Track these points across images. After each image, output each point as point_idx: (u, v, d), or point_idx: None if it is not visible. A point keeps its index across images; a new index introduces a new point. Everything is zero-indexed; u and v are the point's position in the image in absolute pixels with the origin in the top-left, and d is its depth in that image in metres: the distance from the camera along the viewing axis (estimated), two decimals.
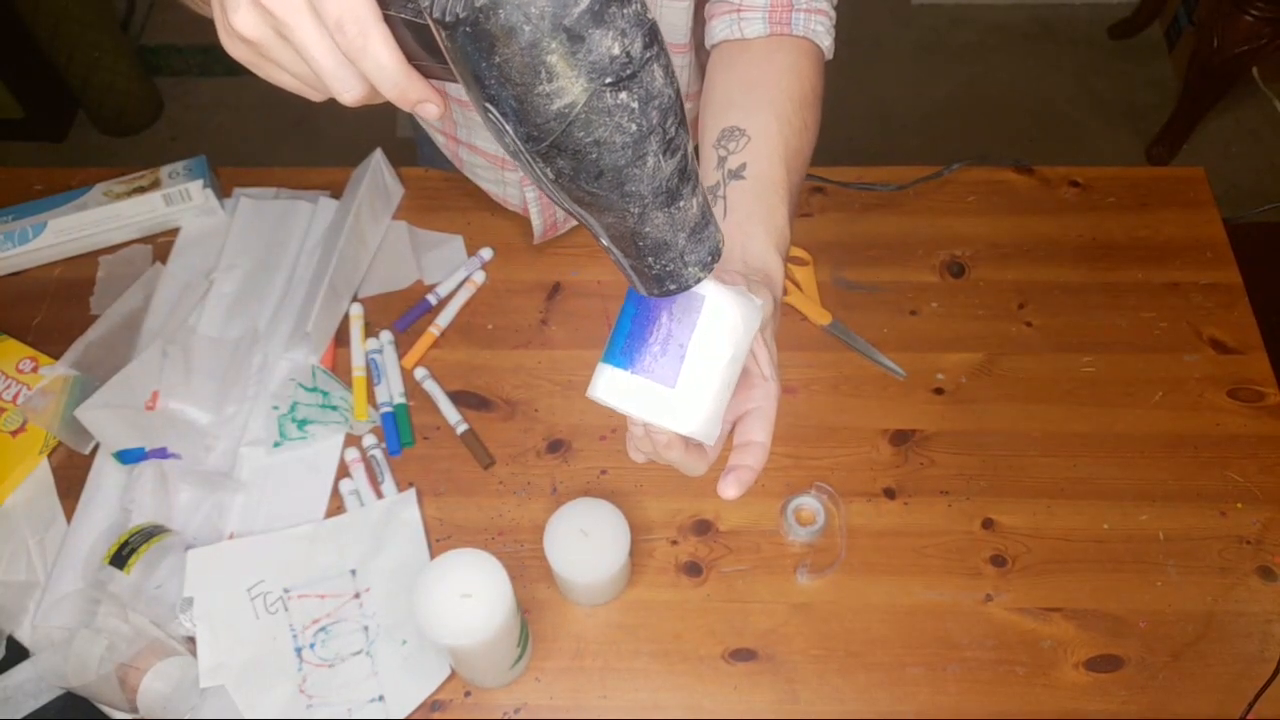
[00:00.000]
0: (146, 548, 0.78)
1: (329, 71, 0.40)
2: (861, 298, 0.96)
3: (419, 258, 0.98)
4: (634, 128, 0.37)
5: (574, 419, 0.90)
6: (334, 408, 0.88)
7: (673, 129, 0.39)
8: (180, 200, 0.98)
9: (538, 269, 0.98)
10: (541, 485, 0.87)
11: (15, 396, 0.89)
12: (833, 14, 0.74)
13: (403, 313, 0.95)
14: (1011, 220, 1.01)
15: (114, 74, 2.07)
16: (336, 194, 1.01)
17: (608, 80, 0.36)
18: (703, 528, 0.84)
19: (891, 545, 0.84)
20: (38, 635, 0.77)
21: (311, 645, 0.78)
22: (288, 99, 0.49)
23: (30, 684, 0.76)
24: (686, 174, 0.41)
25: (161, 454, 0.85)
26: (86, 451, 0.88)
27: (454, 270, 0.97)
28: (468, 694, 0.78)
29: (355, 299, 0.96)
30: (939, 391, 0.91)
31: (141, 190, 0.98)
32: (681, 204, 0.42)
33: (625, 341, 0.50)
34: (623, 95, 0.36)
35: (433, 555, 0.83)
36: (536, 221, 0.94)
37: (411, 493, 0.86)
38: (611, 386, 0.50)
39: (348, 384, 0.90)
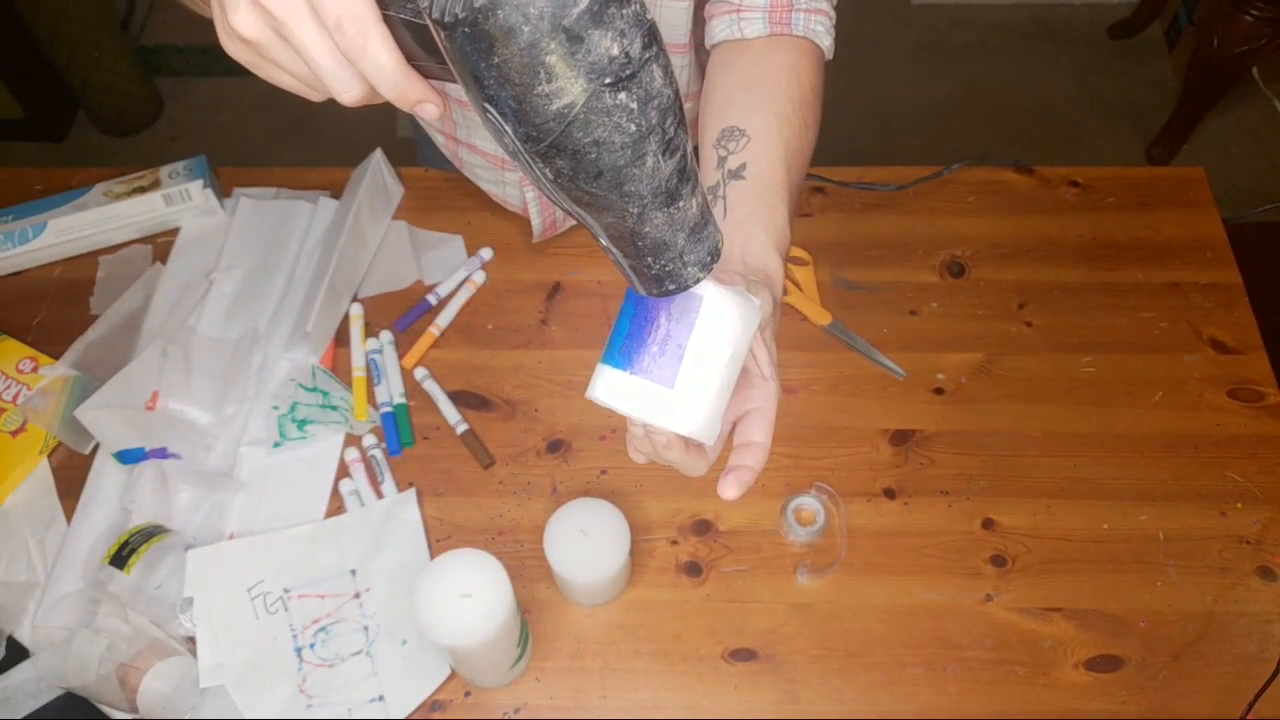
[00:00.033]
0: (146, 548, 0.78)
1: (328, 72, 0.40)
2: (861, 298, 0.96)
3: (419, 258, 0.98)
4: (633, 128, 0.37)
5: (574, 419, 0.90)
6: (334, 408, 0.88)
7: (672, 129, 0.39)
8: (180, 200, 0.98)
9: (538, 269, 0.98)
10: (541, 485, 0.87)
11: (15, 396, 0.89)
12: (833, 14, 0.74)
13: (403, 313, 0.95)
14: (1011, 220, 1.01)
15: (114, 74, 2.07)
16: (336, 194, 1.01)
17: (607, 81, 0.36)
18: (703, 528, 0.85)
19: (891, 545, 0.84)
20: (38, 635, 0.77)
21: (311, 645, 0.78)
22: (288, 99, 0.49)
23: (30, 684, 0.76)
24: (685, 174, 0.41)
25: (161, 454, 0.85)
26: (86, 451, 0.88)
27: (454, 270, 0.97)
28: (468, 694, 0.78)
29: (355, 299, 0.96)
30: (939, 391, 0.91)
31: (141, 190, 0.98)
32: (680, 204, 0.42)
33: (624, 342, 0.50)
34: (622, 96, 0.36)
35: (433, 555, 0.83)
36: (536, 221, 0.94)
37: (411, 493, 0.86)
38: (610, 387, 0.50)
39: (348, 384, 0.90)
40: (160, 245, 0.99)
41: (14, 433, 0.88)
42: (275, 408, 0.88)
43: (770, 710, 0.77)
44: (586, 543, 0.75)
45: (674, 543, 0.84)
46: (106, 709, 0.76)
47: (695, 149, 0.52)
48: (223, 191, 1.02)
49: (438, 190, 1.03)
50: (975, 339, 0.94)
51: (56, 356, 0.90)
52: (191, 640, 0.78)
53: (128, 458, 0.84)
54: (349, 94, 0.41)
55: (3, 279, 0.98)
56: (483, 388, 0.91)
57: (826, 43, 0.73)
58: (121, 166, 1.02)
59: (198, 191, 0.98)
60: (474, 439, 0.88)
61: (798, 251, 0.97)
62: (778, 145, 0.66)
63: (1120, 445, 0.88)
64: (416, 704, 0.76)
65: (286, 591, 0.80)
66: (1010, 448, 0.88)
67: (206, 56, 2.28)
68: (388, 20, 0.38)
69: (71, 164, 1.50)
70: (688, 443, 0.53)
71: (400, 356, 0.92)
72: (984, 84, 2.26)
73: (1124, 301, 0.96)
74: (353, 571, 0.82)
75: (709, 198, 0.65)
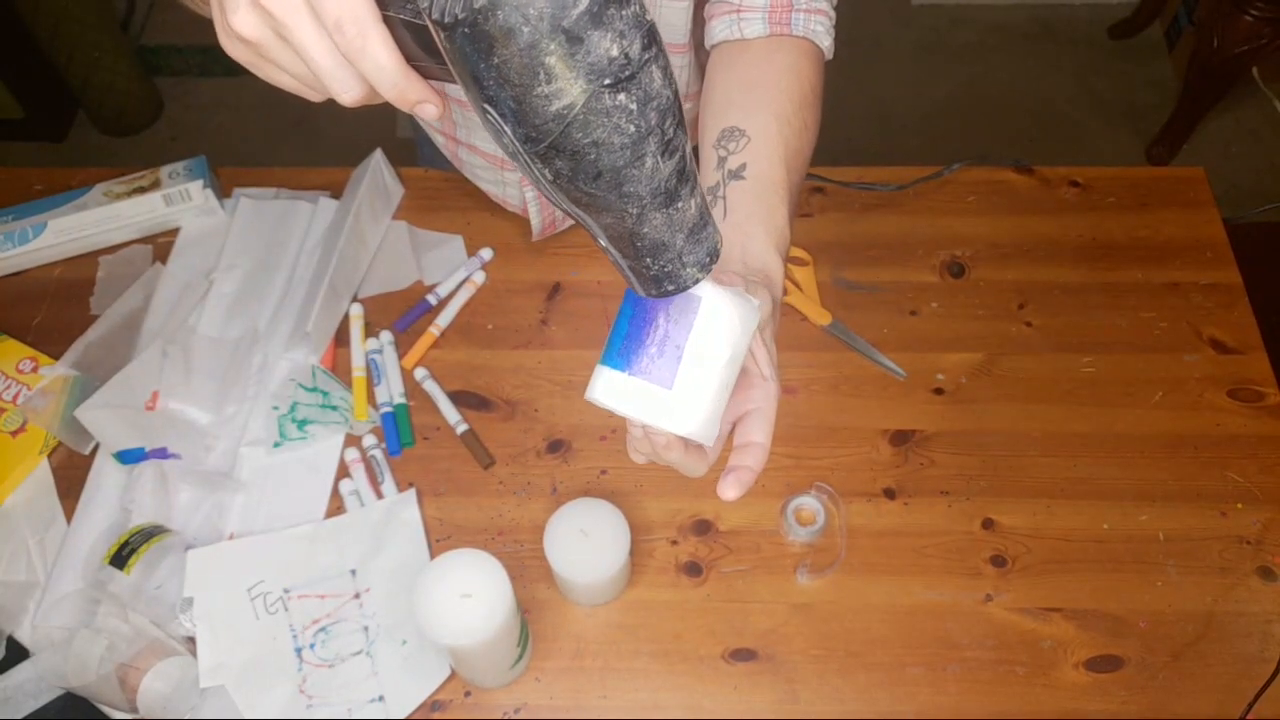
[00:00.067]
0: (146, 548, 0.78)
1: (328, 72, 0.40)
2: (861, 298, 0.96)
3: (419, 258, 0.98)
4: (632, 129, 0.37)
5: (574, 419, 0.90)
6: (334, 408, 0.88)
7: (671, 130, 0.39)
8: (180, 200, 0.98)
9: (537, 269, 0.98)
10: (541, 485, 0.87)
11: (15, 396, 0.89)
12: (833, 14, 0.74)
13: (403, 313, 0.95)
14: (1011, 220, 1.01)
15: (114, 74, 2.07)
16: (336, 194, 1.01)
17: (606, 82, 0.36)
18: (703, 528, 0.85)
19: (891, 545, 0.84)
20: (38, 635, 0.77)
21: (311, 645, 0.78)
22: (288, 99, 0.49)
23: (30, 684, 0.76)
24: (685, 175, 0.41)
25: (161, 454, 0.85)
26: (86, 451, 0.88)
27: (454, 270, 0.97)
28: (468, 694, 0.78)
29: (355, 299, 0.96)
30: (939, 391, 0.91)
31: (141, 190, 0.98)
32: (680, 205, 0.42)
33: (623, 343, 0.50)
34: (621, 96, 0.36)
35: (433, 555, 0.83)
36: (535, 221, 0.94)
37: (411, 493, 0.86)
38: (609, 388, 0.50)
39: (348, 384, 0.90)
40: (160, 245, 0.99)
41: (14, 433, 0.88)
42: (275, 408, 0.88)
43: (770, 710, 0.77)
44: (586, 543, 0.75)
45: (674, 543, 0.84)
46: (106, 709, 0.76)
47: (695, 149, 0.53)
48: (223, 191, 1.02)
49: (438, 190, 1.03)
50: (975, 339, 0.94)
51: (56, 356, 0.90)
52: (191, 640, 0.78)
53: (128, 458, 0.84)
54: (349, 94, 0.41)
55: (3, 279, 0.98)
56: (483, 388, 0.91)
57: (826, 43, 0.73)
58: (121, 166, 1.02)
59: (198, 191, 0.98)
60: (474, 439, 0.88)
61: (798, 251, 0.97)
62: (778, 145, 0.66)
63: (1120, 445, 0.88)
64: (416, 704, 0.76)
65: (286, 591, 0.80)
66: (1010, 448, 0.88)
67: (206, 56, 2.28)
68: (387, 21, 0.38)
69: (71, 164, 1.50)
70: (687, 443, 0.53)
71: (400, 356, 0.92)
72: (984, 84, 2.26)
73: (1124, 301, 0.96)
74: (353, 571, 0.82)
75: (709, 198, 0.65)
